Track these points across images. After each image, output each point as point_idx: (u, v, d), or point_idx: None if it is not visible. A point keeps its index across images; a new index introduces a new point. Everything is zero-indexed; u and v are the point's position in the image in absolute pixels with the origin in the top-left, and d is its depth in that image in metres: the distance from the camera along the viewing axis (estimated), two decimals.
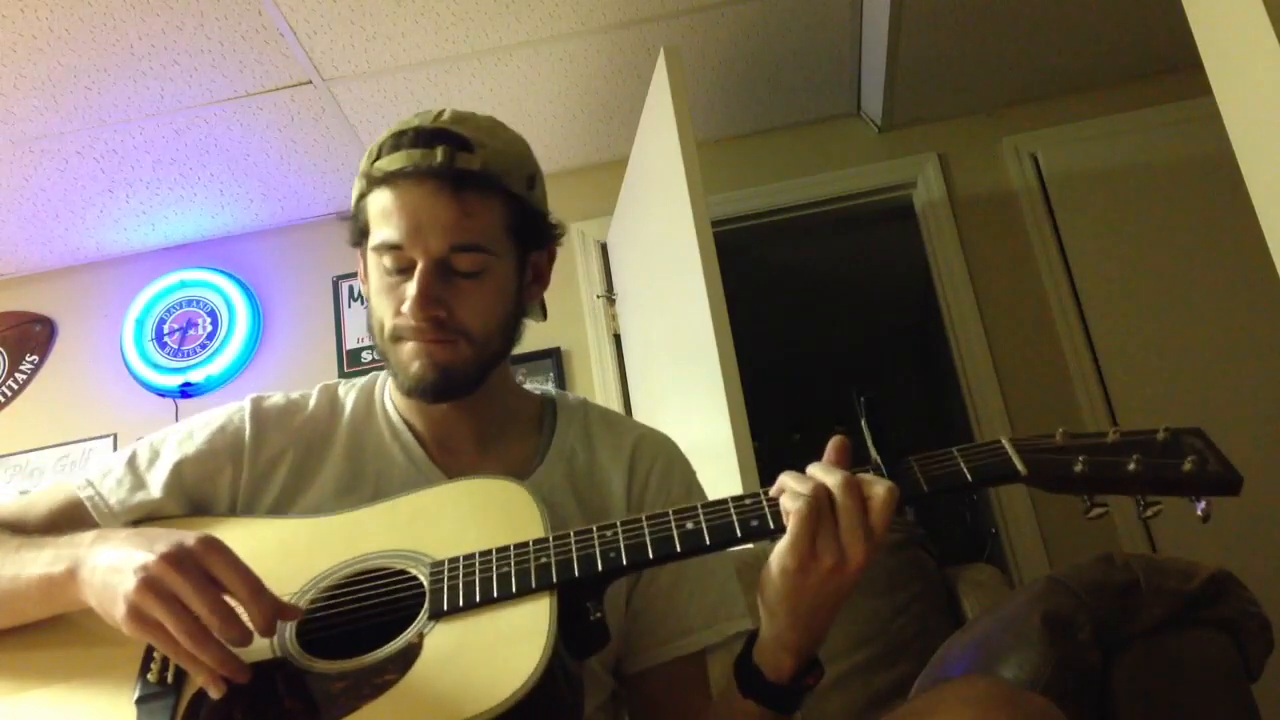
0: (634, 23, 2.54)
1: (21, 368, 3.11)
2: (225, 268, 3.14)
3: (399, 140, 0.99)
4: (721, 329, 2.00)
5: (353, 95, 2.66)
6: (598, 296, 2.95)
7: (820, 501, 0.81)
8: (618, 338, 2.92)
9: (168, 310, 3.11)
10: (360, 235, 1.03)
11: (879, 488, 0.82)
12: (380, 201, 0.99)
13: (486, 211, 0.99)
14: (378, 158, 1.00)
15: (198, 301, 3.10)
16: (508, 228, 1.01)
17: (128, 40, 2.36)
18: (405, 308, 0.97)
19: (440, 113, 1.02)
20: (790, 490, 0.83)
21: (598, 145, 2.99)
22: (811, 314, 4.31)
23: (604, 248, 2.99)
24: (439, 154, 0.96)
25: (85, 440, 2.99)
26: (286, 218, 3.15)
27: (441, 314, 0.97)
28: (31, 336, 3.14)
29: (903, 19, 2.51)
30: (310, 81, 2.58)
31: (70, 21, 2.28)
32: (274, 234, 3.19)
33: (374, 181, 0.99)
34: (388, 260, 0.99)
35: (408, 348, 0.99)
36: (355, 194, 1.03)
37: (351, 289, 3.09)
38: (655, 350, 2.61)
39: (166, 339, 3.07)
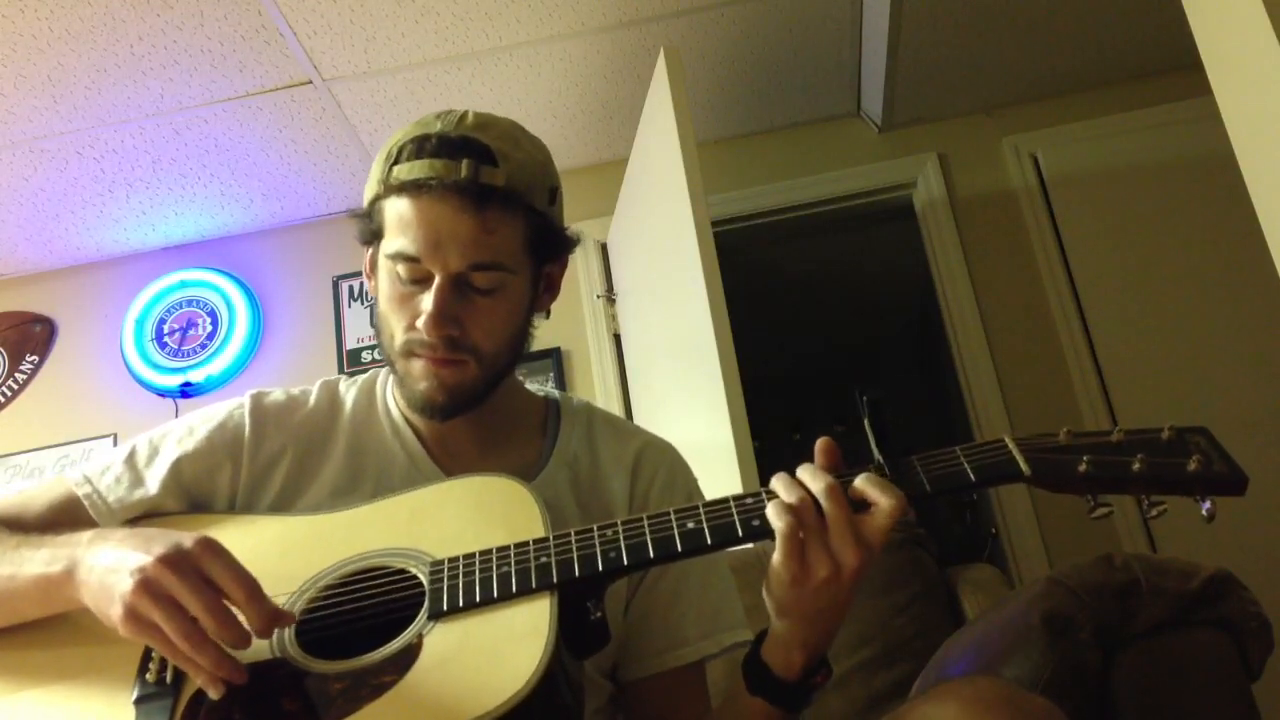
0: (634, 23, 2.54)
1: (21, 368, 3.11)
2: (225, 268, 3.14)
3: (421, 146, 0.96)
4: (721, 329, 2.00)
5: (353, 95, 2.66)
6: (598, 296, 2.95)
7: (804, 516, 0.81)
8: (618, 338, 2.92)
9: (168, 310, 3.11)
10: (372, 236, 1.01)
11: (883, 499, 0.81)
12: (398, 209, 0.96)
13: (507, 229, 0.97)
14: (396, 161, 0.96)
15: (198, 301, 3.10)
16: (526, 243, 0.99)
17: (128, 40, 2.35)
18: (420, 323, 0.95)
19: (463, 116, 0.99)
20: (775, 504, 0.82)
21: (598, 145, 2.99)
22: (811, 314, 4.31)
23: (604, 248, 2.99)
24: (463, 168, 0.93)
25: (85, 440, 2.99)
26: (286, 218, 3.15)
27: (455, 332, 0.96)
28: (31, 336, 3.14)
29: (903, 19, 2.51)
30: (310, 81, 2.58)
31: (70, 21, 2.27)
32: (274, 234, 3.19)
33: (392, 188, 0.96)
34: (402, 270, 0.96)
35: (417, 365, 0.98)
36: (370, 194, 1.00)
37: (351, 289, 3.09)
38: (655, 350, 2.60)
39: (166, 339, 3.07)
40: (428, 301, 0.95)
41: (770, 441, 3.54)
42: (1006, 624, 1.12)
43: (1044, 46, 2.77)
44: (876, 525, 0.81)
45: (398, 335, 0.99)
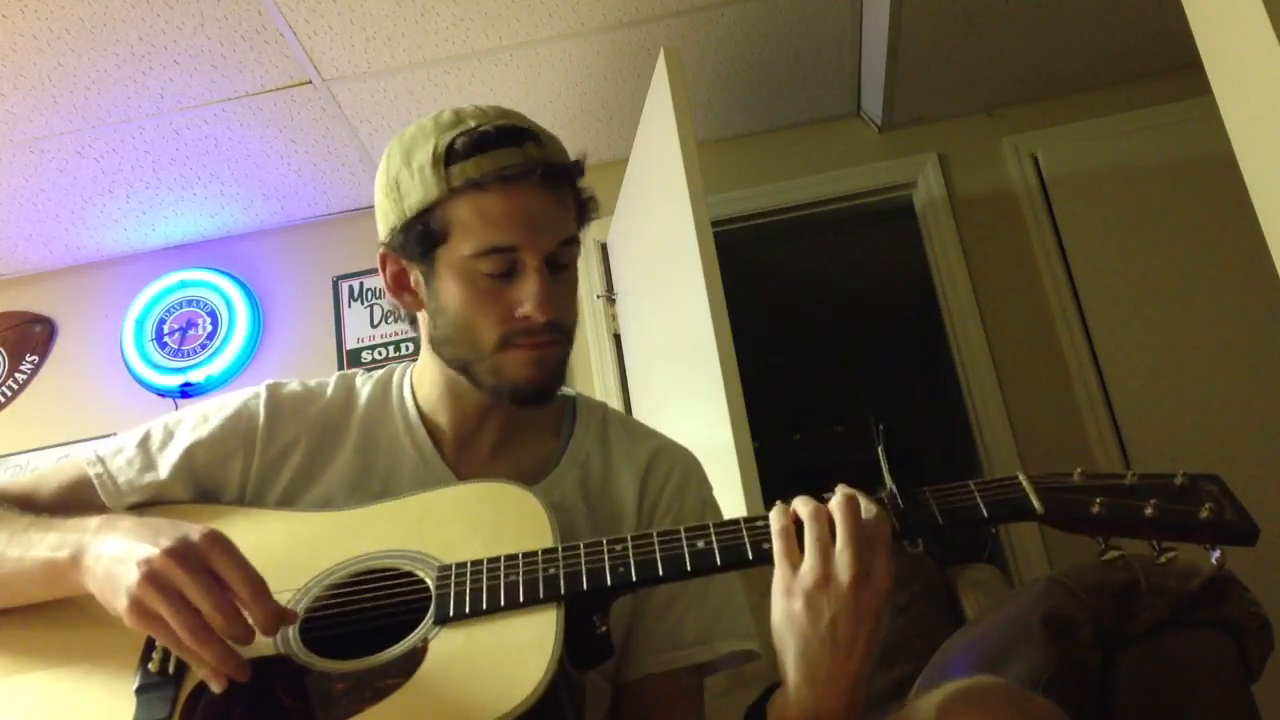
0: (634, 23, 2.54)
1: (21, 368, 3.11)
2: (225, 268, 3.14)
3: (479, 142, 0.94)
4: (721, 329, 2.00)
5: (353, 95, 2.66)
6: (598, 296, 2.95)
7: (802, 514, 0.81)
8: (618, 338, 2.92)
9: (168, 310, 3.11)
10: (430, 245, 0.96)
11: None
12: (480, 205, 0.94)
13: (571, 202, 1.00)
14: (451, 161, 0.94)
15: (198, 301, 3.10)
16: (577, 213, 1.02)
17: (128, 40, 2.35)
18: (527, 310, 0.95)
19: (483, 110, 0.99)
20: (778, 507, 0.83)
21: (598, 145, 2.99)
22: (811, 314, 4.31)
23: (604, 248, 2.99)
24: (531, 151, 0.95)
25: (85, 440, 2.99)
26: (286, 218, 3.15)
27: (556, 313, 0.97)
28: (31, 336, 3.14)
29: (903, 19, 2.51)
30: (310, 81, 2.58)
31: (70, 21, 2.27)
32: (274, 234, 3.19)
33: (462, 188, 0.94)
34: (488, 264, 0.95)
35: (517, 356, 0.97)
36: (424, 202, 0.95)
37: (351, 289, 3.09)
38: (655, 350, 2.60)
39: (166, 339, 3.07)
40: (531, 287, 0.95)
41: (770, 441, 3.54)
42: (1006, 624, 1.13)
43: (1044, 46, 2.77)
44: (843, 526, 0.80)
45: (489, 332, 0.96)
